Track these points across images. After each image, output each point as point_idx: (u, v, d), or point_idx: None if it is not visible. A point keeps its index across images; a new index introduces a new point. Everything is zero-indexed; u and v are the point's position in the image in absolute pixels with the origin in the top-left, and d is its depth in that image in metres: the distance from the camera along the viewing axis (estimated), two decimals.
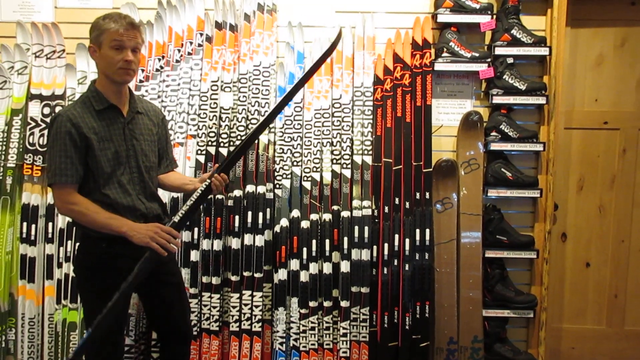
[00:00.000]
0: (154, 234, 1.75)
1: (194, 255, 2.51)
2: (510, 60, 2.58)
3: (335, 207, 2.55)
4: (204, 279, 2.52)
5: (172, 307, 2.02)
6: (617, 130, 2.82)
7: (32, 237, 2.52)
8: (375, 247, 2.56)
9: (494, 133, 2.61)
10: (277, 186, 2.57)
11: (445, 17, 2.56)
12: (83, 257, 1.88)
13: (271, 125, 2.59)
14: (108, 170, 1.80)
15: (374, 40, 2.61)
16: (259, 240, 2.52)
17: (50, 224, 2.54)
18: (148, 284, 1.96)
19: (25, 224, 2.53)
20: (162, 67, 2.59)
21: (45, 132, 2.53)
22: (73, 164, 1.76)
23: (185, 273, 2.49)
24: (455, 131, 2.68)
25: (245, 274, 2.52)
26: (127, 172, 1.85)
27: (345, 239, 2.52)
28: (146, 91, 2.57)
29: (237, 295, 2.53)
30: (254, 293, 2.52)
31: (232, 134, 2.56)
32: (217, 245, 2.52)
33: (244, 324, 2.52)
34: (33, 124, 2.55)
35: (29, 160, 2.54)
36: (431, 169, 2.59)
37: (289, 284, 2.54)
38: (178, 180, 2.08)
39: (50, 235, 2.54)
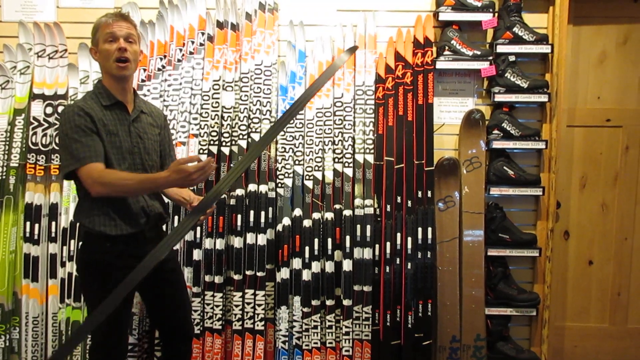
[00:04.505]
0: (188, 176, 1.67)
1: (197, 254, 2.52)
2: (512, 58, 2.58)
3: (337, 206, 2.56)
4: (207, 278, 2.53)
5: (173, 306, 2.02)
6: (619, 127, 2.81)
7: (36, 237, 2.54)
8: (377, 246, 2.56)
9: (496, 131, 2.61)
10: (279, 185, 2.57)
11: (446, 15, 2.56)
12: (86, 256, 1.86)
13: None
14: (114, 164, 1.80)
15: (376, 38, 2.61)
16: (262, 239, 2.52)
17: (53, 223, 2.55)
18: (149, 283, 1.96)
19: (28, 223, 2.54)
20: (163, 67, 2.59)
21: (48, 131, 2.55)
22: (93, 141, 1.75)
23: (187, 272, 2.50)
24: (457, 129, 2.68)
25: (248, 272, 2.52)
26: (132, 169, 1.85)
27: (348, 237, 2.52)
28: (148, 90, 2.57)
29: (240, 294, 2.53)
30: (257, 292, 2.52)
31: (234, 133, 2.57)
32: (220, 244, 2.53)
33: (246, 323, 2.53)
34: (36, 123, 2.56)
35: (32, 160, 2.55)
36: (433, 168, 2.59)
37: (291, 283, 2.54)
38: (174, 192, 2.03)
39: (53, 235, 2.55)
